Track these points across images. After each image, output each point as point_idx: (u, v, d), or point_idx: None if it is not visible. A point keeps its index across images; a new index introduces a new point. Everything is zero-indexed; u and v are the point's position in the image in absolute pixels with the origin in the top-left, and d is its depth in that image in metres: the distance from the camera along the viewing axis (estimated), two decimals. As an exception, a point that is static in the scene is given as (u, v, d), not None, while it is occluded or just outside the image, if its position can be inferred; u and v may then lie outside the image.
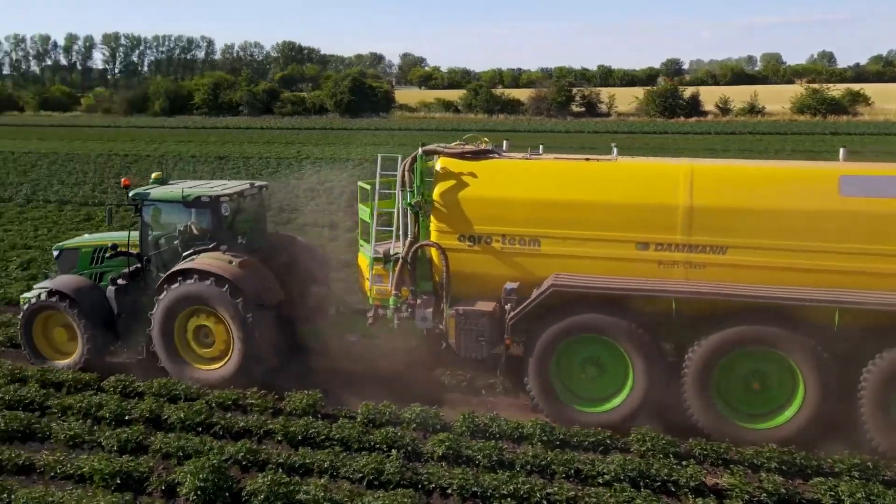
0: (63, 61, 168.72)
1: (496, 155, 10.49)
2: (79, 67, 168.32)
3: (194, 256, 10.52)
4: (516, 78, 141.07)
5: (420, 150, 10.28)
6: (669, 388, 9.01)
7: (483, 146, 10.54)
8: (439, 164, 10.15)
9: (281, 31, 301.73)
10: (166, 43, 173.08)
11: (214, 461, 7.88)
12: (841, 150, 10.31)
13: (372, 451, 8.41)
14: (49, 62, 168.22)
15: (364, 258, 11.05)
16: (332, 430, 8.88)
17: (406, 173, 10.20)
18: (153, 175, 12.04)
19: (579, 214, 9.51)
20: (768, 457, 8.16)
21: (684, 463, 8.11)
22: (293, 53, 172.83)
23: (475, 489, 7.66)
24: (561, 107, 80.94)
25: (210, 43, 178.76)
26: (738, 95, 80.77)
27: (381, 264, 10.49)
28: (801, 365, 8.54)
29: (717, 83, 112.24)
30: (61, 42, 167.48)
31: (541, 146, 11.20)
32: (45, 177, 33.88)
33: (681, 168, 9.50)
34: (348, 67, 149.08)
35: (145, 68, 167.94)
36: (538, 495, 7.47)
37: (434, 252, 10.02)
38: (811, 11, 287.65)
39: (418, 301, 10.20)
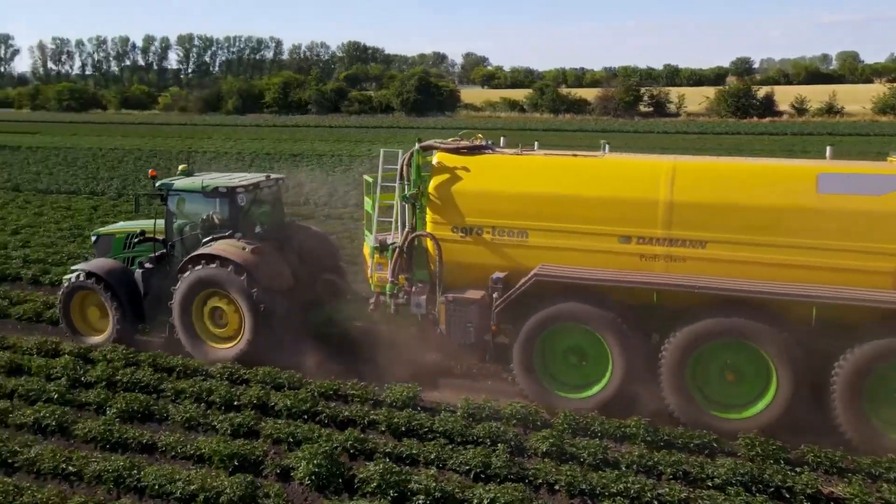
0: (140, 62, 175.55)
1: (490, 151, 10.92)
2: (154, 67, 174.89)
3: (212, 243, 11.20)
4: (580, 77, 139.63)
5: (417, 145, 10.74)
6: (648, 378, 9.25)
7: (478, 142, 10.98)
8: (436, 158, 10.61)
9: (347, 32, 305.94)
10: (237, 43, 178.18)
11: (326, 448, 8.13)
12: (828, 149, 10.29)
13: (477, 445, 8.52)
14: (128, 62, 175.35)
15: (367, 248, 11.59)
16: (434, 422, 9.04)
17: (404, 167, 10.66)
18: (180, 167, 12.79)
19: (565, 208, 9.87)
20: (887, 466, 7.91)
21: (798, 469, 7.93)
22: (357, 53, 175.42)
23: (583, 486, 7.68)
24: (628, 107, 79.80)
25: (278, 43, 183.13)
26: (814, 95, 77.90)
27: (380, 253, 11.02)
28: (774, 358, 8.74)
29: (789, 82, 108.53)
30: (139, 43, 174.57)
31: (535, 143, 11.59)
32: (132, 172, 35.43)
33: (663, 164, 9.77)
34: (411, 67, 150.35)
35: (216, 68, 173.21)
36: (648, 495, 7.43)
37: (429, 242, 10.48)
38: (890, 8, 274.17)
39: (414, 288, 10.68)
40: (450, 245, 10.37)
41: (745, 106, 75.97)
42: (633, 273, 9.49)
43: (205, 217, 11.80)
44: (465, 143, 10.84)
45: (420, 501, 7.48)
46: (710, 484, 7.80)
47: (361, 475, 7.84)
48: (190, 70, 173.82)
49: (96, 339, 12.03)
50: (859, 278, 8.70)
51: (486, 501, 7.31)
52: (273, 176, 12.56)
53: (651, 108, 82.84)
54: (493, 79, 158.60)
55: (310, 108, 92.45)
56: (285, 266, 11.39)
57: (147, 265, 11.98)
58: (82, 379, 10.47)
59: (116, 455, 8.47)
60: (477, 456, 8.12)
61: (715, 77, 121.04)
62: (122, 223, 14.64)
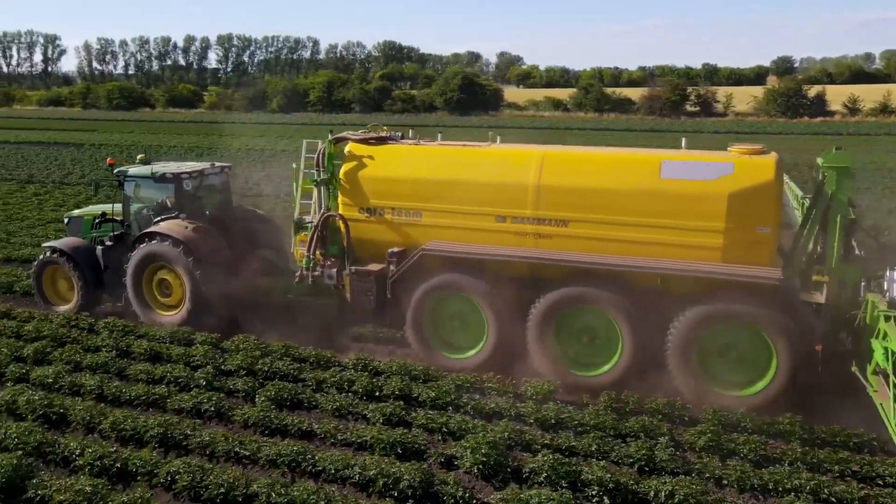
0: (181, 61, 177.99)
1: (394, 141, 12.24)
2: (194, 67, 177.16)
3: (160, 222, 12.55)
4: (616, 77, 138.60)
5: (330, 136, 12.10)
6: (517, 340, 10.46)
7: (383, 134, 12.38)
8: (347, 148, 11.89)
9: (375, 31, 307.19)
10: (275, 43, 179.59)
11: (491, 438, 8.26)
12: (683, 140, 11.49)
13: (636, 439, 8.57)
14: (168, 62, 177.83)
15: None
16: (583, 415, 9.13)
17: (320, 156, 11.93)
18: (138, 157, 14.38)
19: (451, 191, 11.04)
20: None
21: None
22: (393, 52, 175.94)
23: (754, 482, 7.69)
24: (675, 106, 78.99)
25: (315, 43, 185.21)
26: (865, 95, 76.34)
27: (301, 232, 12.35)
28: (619, 321, 9.90)
29: (832, 82, 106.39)
30: (180, 43, 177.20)
31: (439, 135, 12.83)
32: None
33: (534, 153, 11.01)
34: (446, 66, 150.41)
35: (253, 68, 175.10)
36: (826, 492, 7.42)
37: (339, 222, 11.64)
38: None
39: (327, 262, 11.98)
40: (356, 224, 11.74)
41: (794, 105, 74.71)
42: (504, 248, 10.71)
43: (159, 202, 13.22)
44: (372, 134, 12.24)
45: (594, 492, 7.57)
46: (880, 482, 7.77)
47: (531, 466, 7.95)
48: (229, 69, 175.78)
49: (64, 307, 13.58)
50: (694, 253, 9.81)
51: (663, 494, 7.36)
52: (218, 164, 14.03)
53: (697, 108, 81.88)
54: (528, 78, 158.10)
55: (353, 107, 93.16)
56: (223, 243, 12.73)
57: (107, 242, 13.45)
58: (222, 367, 10.78)
59: (277, 440, 8.71)
60: (641, 449, 8.18)
61: (755, 76, 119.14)
62: (91, 207, 15.89)
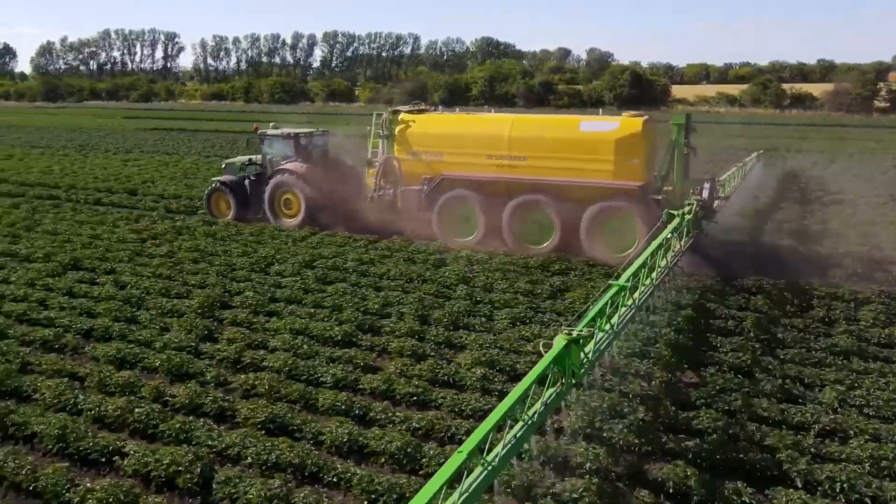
0: (289, 58, 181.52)
1: (429, 111, 19.48)
2: (301, 63, 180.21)
3: (285, 164, 19.97)
4: (724, 73, 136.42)
5: (390, 109, 19.46)
6: (497, 229, 17.43)
7: (423, 107, 19.70)
8: (400, 116, 18.75)
9: (478, 27, 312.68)
10: (377, 40, 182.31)
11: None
12: (600, 111, 20.47)
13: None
14: (277, 59, 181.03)
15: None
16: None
17: (384, 121, 18.86)
18: (271, 124, 21.56)
19: (460, 140, 17.93)
20: None
21: None
22: (490, 49, 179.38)
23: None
24: (863, 102, 76.41)
25: (416, 39, 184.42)
26: None
27: (371, 168, 19.23)
28: (553, 215, 16.87)
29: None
30: (289, 40, 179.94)
31: (457, 108, 21.14)
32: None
33: (508, 118, 18.59)
34: (540, 62, 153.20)
35: (354, 63, 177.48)
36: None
37: (395, 162, 18.68)
38: None
39: (387, 186, 18.92)
40: (405, 162, 18.64)
41: None
42: (489, 174, 17.50)
43: (284, 153, 20.40)
44: (416, 107, 19.31)
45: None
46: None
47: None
48: (334, 66, 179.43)
49: (224, 218, 20.90)
50: (597, 174, 16.36)
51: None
52: (320, 129, 21.85)
53: (887, 104, 77.78)
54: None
55: (517, 101, 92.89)
56: (324, 178, 19.86)
57: (251, 178, 21.03)
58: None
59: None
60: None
61: (876, 73, 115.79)
62: (239, 157, 23.03)
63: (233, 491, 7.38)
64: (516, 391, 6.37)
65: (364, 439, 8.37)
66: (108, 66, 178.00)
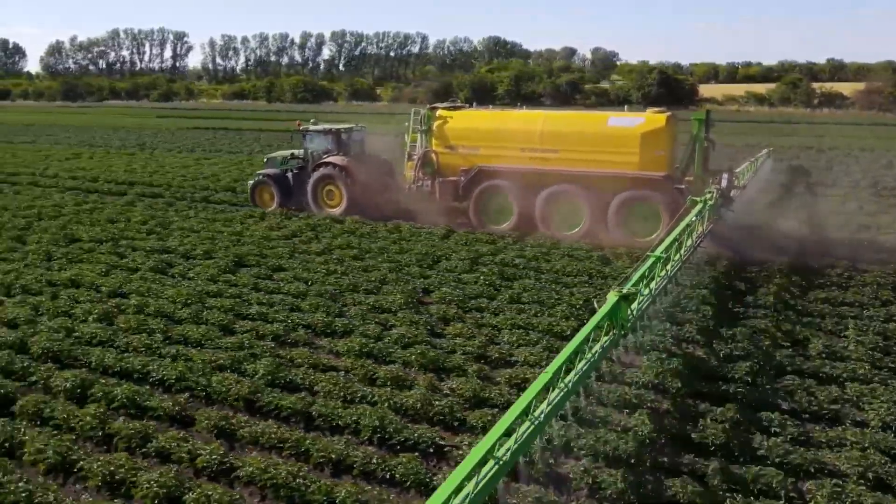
0: (297, 57, 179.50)
1: (464, 108, 21.19)
2: (309, 63, 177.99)
3: (328, 157, 21.38)
4: (733, 73, 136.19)
5: (428, 106, 20.88)
6: (530, 217, 18.90)
7: (458, 104, 21.69)
8: (438, 112, 20.26)
9: (484, 27, 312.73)
10: (385, 39, 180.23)
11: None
12: (625, 107, 22.44)
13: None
14: (285, 59, 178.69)
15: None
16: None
17: (422, 117, 20.30)
18: (311, 120, 23.12)
19: (495, 135, 19.47)
20: None
21: None
22: (497, 48, 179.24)
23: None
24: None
25: (424, 38, 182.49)
26: None
27: (409, 161, 20.80)
28: (583, 204, 18.29)
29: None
30: (297, 40, 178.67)
31: (490, 105, 23.24)
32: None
33: (540, 114, 20.35)
34: (546, 61, 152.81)
35: (361, 63, 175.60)
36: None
37: (433, 155, 20.16)
38: None
39: (425, 178, 20.37)
40: (442, 155, 20.17)
41: None
42: (523, 165, 18.92)
43: (325, 147, 21.83)
44: (452, 104, 21.15)
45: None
46: None
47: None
48: (341, 65, 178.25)
49: (268, 209, 22.01)
50: (624, 166, 17.82)
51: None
52: (359, 125, 23.05)
53: None
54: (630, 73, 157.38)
55: (543, 101, 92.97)
56: (363, 170, 21.27)
57: (294, 171, 22.40)
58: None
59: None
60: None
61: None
62: (280, 151, 24.48)
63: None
64: (581, 333, 7.73)
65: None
66: (118, 66, 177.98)
